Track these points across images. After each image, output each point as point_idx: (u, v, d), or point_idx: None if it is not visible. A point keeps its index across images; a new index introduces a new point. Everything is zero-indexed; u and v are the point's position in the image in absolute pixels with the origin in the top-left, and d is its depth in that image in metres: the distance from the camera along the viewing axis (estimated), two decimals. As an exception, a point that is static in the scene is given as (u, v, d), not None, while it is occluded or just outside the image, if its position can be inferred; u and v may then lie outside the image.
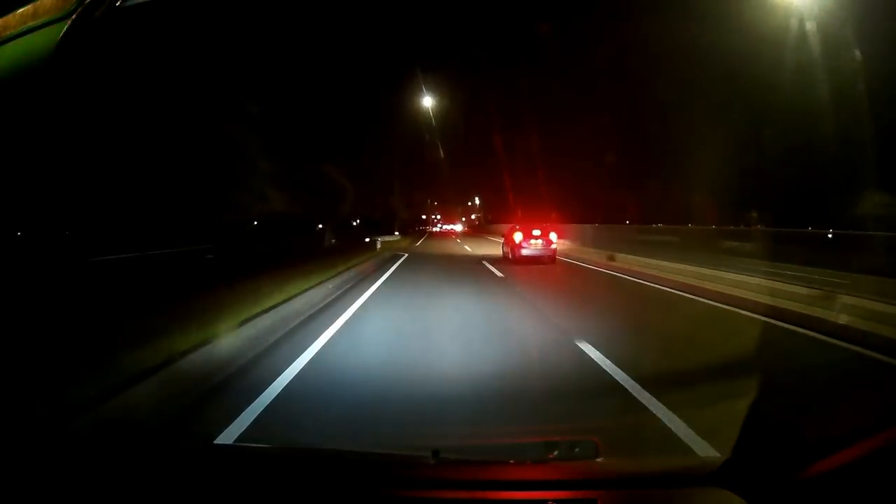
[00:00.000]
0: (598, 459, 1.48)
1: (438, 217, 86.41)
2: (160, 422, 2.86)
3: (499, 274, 11.21)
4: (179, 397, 3.25)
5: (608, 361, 4.03)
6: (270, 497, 1.20)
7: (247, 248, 18.06)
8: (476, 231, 52.24)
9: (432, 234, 51.31)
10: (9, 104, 1.87)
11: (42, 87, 1.83)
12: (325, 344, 4.81)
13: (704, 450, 2.41)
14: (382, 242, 21.57)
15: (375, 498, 1.21)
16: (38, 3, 1.83)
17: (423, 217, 78.50)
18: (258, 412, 3.04)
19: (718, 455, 1.23)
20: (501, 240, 16.68)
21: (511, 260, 13.76)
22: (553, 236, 13.68)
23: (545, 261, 13.33)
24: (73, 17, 1.82)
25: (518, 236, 13.47)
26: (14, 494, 1.21)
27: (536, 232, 13.51)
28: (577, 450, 1.49)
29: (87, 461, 1.34)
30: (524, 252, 13.33)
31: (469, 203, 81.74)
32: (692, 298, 7.68)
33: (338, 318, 6.07)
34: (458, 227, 68.23)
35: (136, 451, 1.40)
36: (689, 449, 2.49)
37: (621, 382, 3.54)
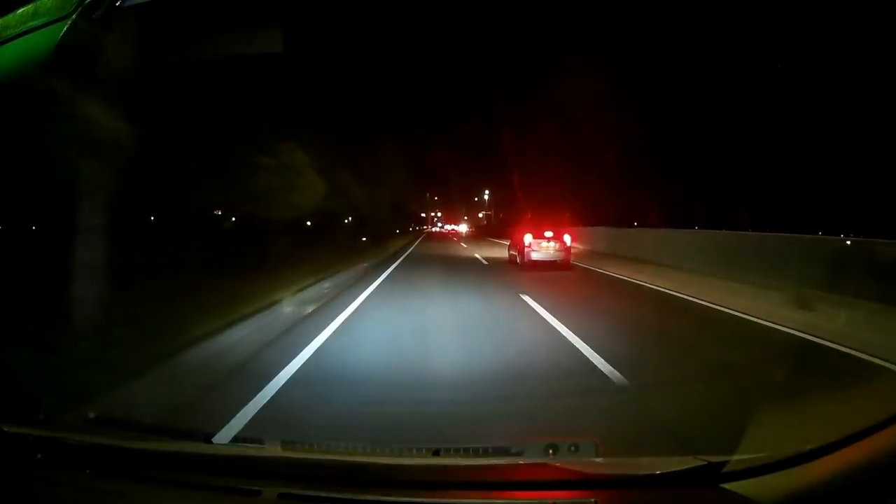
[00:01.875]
0: (598, 459, 1.47)
1: (439, 215, 77.82)
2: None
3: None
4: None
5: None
6: (269, 497, 1.20)
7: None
8: (484, 233, 45.37)
9: (431, 235, 44.90)
10: (9, 103, 1.88)
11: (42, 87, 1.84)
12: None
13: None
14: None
15: (375, 498, 1.20)
16: (38, 3, 1.83)
17: (423, 215, 69.69)
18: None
19: (718, 455, 1.23)
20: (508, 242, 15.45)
21: (519, 265, 12.63)
22: (567, 238, 12.48)
23: (559, 266, 12.15)
24: (73, 17, 1.82)
25: (528, 237, 12.24)
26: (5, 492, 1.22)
27: (549, 233, 12.27)
28: (576, 450, 1.48)
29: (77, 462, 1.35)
30: (534, 256, 12.14)
31: (476, 199, 71.51)
32: None
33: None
34: (463, 228, 59.35)
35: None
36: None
37: None
